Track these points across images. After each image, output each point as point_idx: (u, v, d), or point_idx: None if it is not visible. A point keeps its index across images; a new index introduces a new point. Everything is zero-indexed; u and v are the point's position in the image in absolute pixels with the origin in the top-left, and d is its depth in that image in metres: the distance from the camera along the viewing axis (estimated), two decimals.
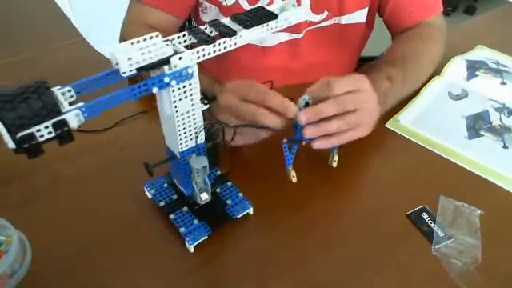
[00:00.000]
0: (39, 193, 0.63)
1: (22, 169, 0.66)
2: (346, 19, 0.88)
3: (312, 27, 0.88)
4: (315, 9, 0.85)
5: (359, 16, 0.89)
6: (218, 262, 0.55)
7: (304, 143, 0.60)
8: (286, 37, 0.88)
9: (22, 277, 0.52)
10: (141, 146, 0.70)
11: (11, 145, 0.37)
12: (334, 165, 0.66)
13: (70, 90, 0.41)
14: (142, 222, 0.59)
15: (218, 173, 0.60)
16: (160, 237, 0.57)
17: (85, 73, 0.79)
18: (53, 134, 0.39)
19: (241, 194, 0.60)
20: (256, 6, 0.59)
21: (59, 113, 0.39)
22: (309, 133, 0.58)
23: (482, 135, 0.73)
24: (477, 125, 0.75)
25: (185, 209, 0.58)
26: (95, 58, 0.93)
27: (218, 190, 0.61)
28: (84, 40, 1.01)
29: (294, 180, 0.62)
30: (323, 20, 0.87)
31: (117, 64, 0.42)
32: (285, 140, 0.60)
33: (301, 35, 0.88)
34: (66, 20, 1.11)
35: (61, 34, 1.04)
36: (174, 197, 0.60)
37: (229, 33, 0.49)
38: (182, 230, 0.55)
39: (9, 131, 0.37)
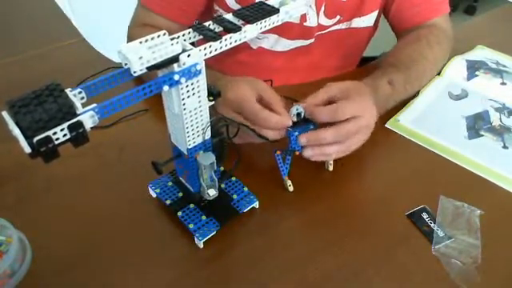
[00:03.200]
0: (37, 193, 0.63)
1: (19, 169, 0.66)
2: (356, 23, 0.88)
3: (323, 31, 0.87)
4: (329, 13, 0.84)
5: (369, 19, 0.89)
6: (225, 258, 0.55)
7: (297, 153, 0.62)
8: (298, 43, 0.88)
9: (21, 277, 0.52)
10: (141, 145, 0.70)
11: (27, 149, 0.37)
12: (330, 168, 0.66)
13: (80, 92, 0.41)
14: (144, 221, 0.59)
15: (222, 169, 0.61)
16: (163, 235, 0.58)
17: (85, 73, 0.80)
18: (68, 137, 0.39)
19: (246, 189, 0.61)
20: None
21: (74, 115, 0.39)
22: (309, 154, 0.61)
23: (482, 135, 0.73)
24: (477, 125, 0.75)
25: (192, 206, 0.59)
26: (95, 58, 0.92)
27: (222, 186, 0.61)
28: (84, 40, 1.01)
29: (291, 189, 0.63)
30: (334, 24, 0.87)
31: (126, 64, 0.42)
32: (278, 152, 0.62)
33: (312, 40, 0.88)
34: (66, 20, 1.11)
35: (61, 34, 1.04)
36: (180, 194, 0.60)
37: (234, 28, 0.49)
38: (191, 226, 0.56)
39: (25, 135, 0.37)
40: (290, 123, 0.59)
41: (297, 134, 0.60)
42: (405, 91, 0.76)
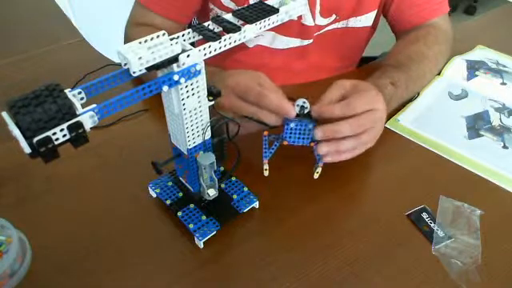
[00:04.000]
0: (37, 193, 0.63)
1: (19, 169, 0.66)
2: (352, 22, 0.88)
3: (320, 31, 0.87)
4: (324, 12, 0.84)
5: (367, 19, 0.88)
6: (225, 258, 0.55)
7: (285, 142, 0.61)
8: (297, 43, 0.88)
9: (22, 277, 0.52)
10: (141, 145, 0.70)
11: (27, 150, 0.37)
12: (316, 176, 0.64)
13: (80, 92, 0.41)
14: (144, 221, 0.59)
15: (222, 169, 0.61)
16: (163, 235, 0.58)
17: (85, 73, 0.80)
18: (68, 137, 0.39)
19: (246, 189, 0.61)
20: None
21: (74, 115, 0.39)
22: (324, 150, 0.60)
23: (482, 135, 0.73)
24: (477, 125, 0.75)
25: (192, 206, 0.59)
26: (95, 58, 0.92)
27: (222, 186, 0.61)
28: (84, 40, 1.01)
29: (266, 173, 0.62)
30: (330, 23, 0.87)
31: (125, 64, 0.42)
32: (266, 133, 0.61)
33: (310, 41, 0.88)
34: (66, 20, 1.11)
35: (61, 33, 1.04)
36: (180, 194, 0.60)
37: (234, 28, 0.49)
38: (191, 226, 0.56)
39: (25, 136, 0.37)
40: (291, 107, 0.58)
41: (292, 125, 0.60)
42: (406, 92, 0.76)
